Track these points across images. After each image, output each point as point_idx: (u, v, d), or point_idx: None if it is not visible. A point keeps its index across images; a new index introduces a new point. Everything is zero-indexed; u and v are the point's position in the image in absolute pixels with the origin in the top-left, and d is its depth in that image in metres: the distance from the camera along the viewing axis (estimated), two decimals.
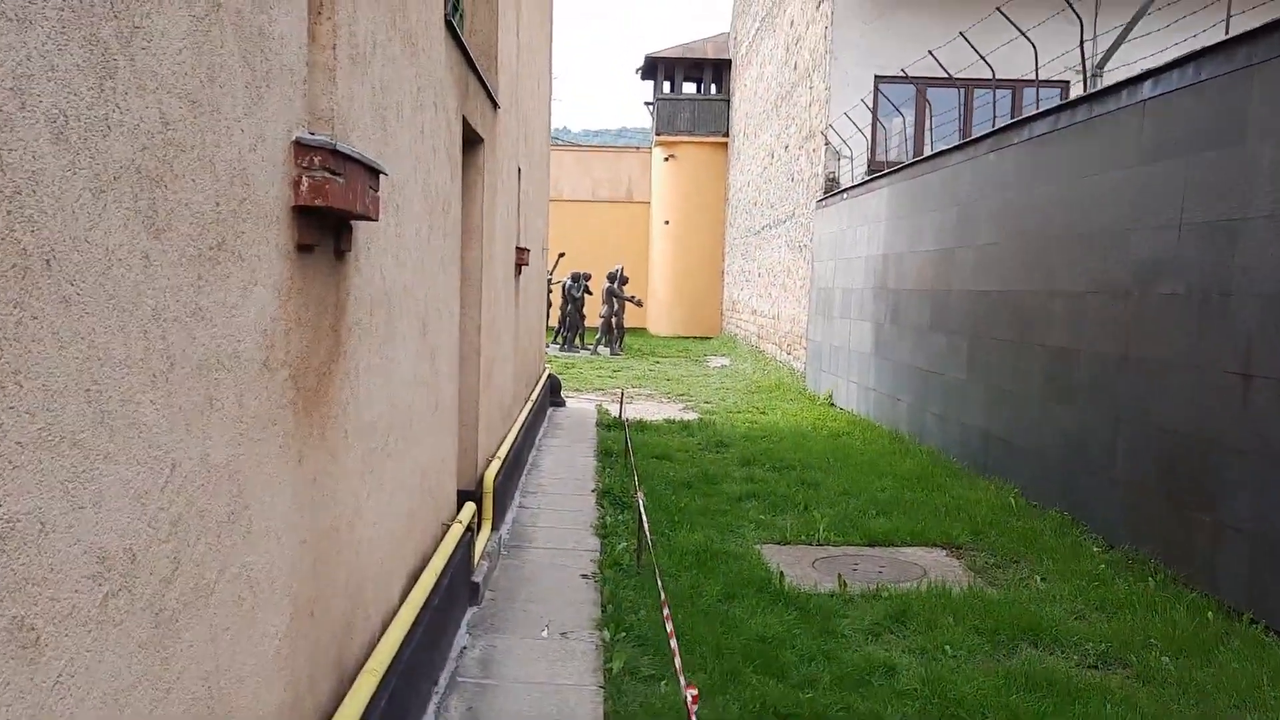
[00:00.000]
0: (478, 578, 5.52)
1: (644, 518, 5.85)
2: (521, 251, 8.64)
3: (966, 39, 11.78)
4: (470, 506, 5.35)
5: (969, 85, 16.35)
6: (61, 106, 1.36)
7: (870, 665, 4.91)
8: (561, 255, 24.02)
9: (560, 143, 32.92)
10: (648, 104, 30.75)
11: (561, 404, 13.94)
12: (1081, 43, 9.17)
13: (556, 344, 24.32)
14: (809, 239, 17.55)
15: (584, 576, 6.12)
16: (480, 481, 6.29)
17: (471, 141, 5.94)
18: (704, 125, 29.35)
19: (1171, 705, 4.58)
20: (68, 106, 1.37)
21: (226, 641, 2.02)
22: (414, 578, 4.15)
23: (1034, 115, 8.74)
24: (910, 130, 16.79)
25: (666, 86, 29.85)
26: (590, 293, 24.16)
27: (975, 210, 9.85)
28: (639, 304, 25.06)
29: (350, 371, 2.96)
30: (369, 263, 3.16)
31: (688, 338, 28.98)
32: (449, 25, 4.55)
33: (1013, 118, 16.10)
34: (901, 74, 15.92)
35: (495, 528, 6.45)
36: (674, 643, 3.71)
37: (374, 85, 3.16)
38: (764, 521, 7.75)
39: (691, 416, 13.72)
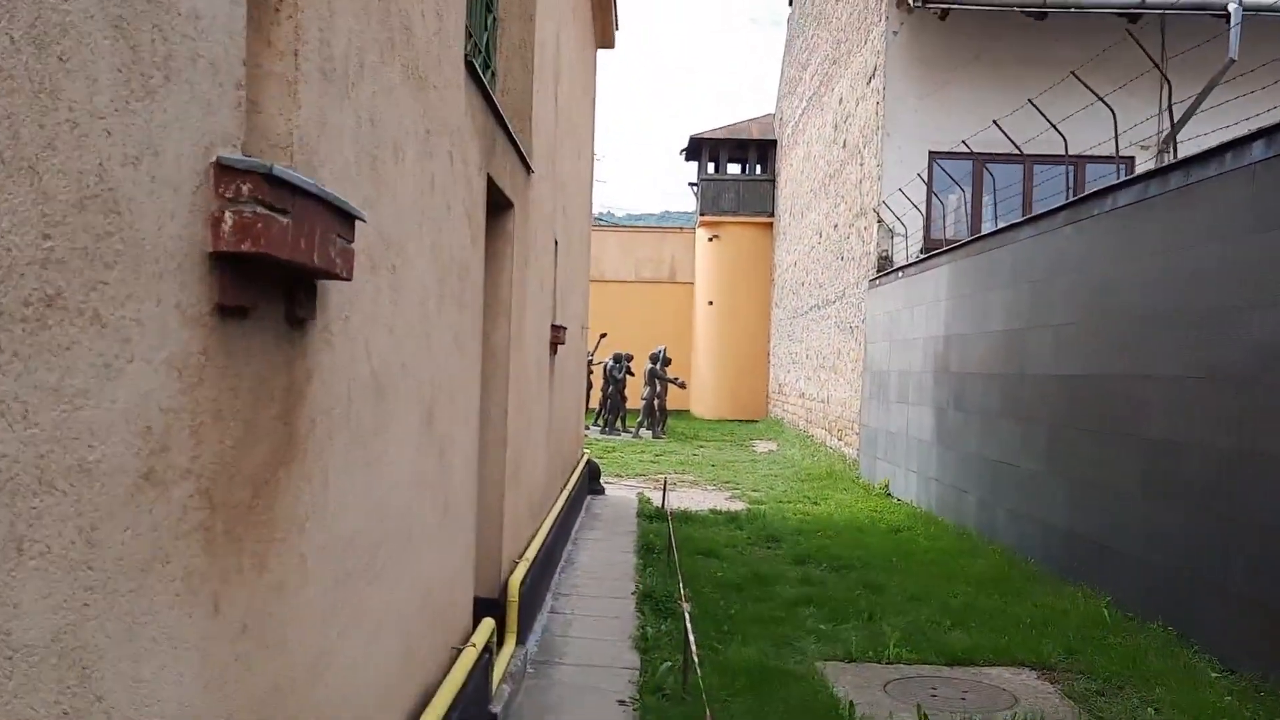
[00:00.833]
0: (496, 707, 4.71)
1: (690, 635, 5.04)
2: (557, 330, 8.00)
3: (1035, 106, 11.13)
4: (488, 624, 4.58)
5: (1028, 160, 15.72)
6: None
7: None
8: (603, 336, 23.48)
9: (603, 224, 32.73)
10: (692, 184, 30.49)
11: (600, 491, 13.16)
12: (1169, 110, 8.47)
13: (597, 426, 23.61)
14: (860, 320, 16.80)
15: (621, 703, 5.28)
16: (504, 589, 5.52)
17: (499, 205, 5.33)
18: (749, 205, 28.96)
19: None
20: None
21: None
22: None
23: (1117, 185, 8.01)
24: (966, 207, 16.13)
25: (711, 167, 29.60)
26: (632, 374, 23.51)
27: (1050, 288, 9.07)
28: (682, 386, 24.35)
29: (312, 477, 2.26)
30: (347, 336, 2.48)
31: (732, 421, 28.12)
32: (470, 67, 3.96)
33: (1075, 194, 15.40)
34: (959, 149, 15.33)
35: (521, 641, 5.65)
36: None
37: (359, 116, 2.52)
38: (825, 633, 6.86)
39: (739, 507, 12.85)
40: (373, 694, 2.88)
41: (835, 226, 19.56)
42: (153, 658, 1.54)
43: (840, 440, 18.35)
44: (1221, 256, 6.48)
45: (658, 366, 23.02)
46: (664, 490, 11.88)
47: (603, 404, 23.52)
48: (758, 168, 29.48)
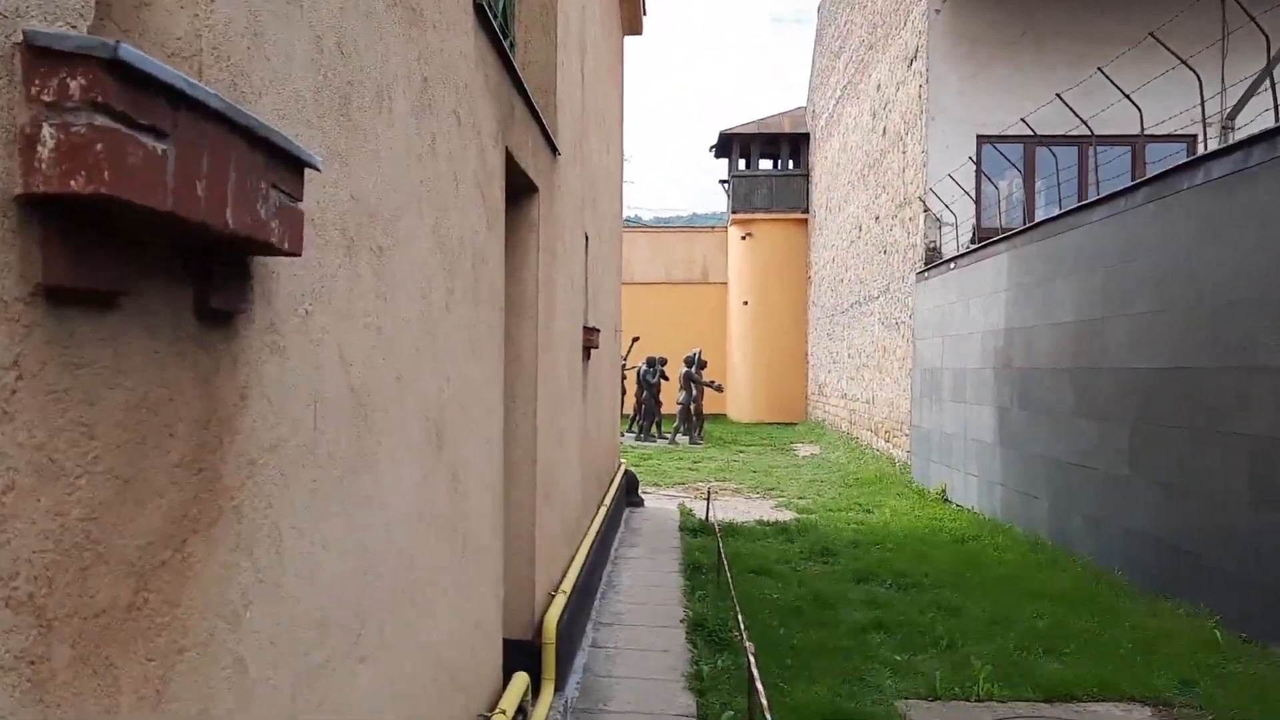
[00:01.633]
0: None
1: (755, 676, 4.32)
2: (590, 332, 7.30)
3: (1105, 75, 10.28)
4: (521, 680, 3.88)
5: (1083, 142, 14.86)
6: None
7: None
8: (636, 340, 22.77)
9: (632, 226, 32.03)
10: (722, 181, 29.73)
11: (639, 503, 12.44)
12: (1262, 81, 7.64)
13: (632, 433, 22.91)
14: (907, 315, 15.97)
15: None
16: (539, 629, 4.82)
17: (521, 189, 4.64)
18: (782, 202, 28.16)
19: None
20: None
21: None
22: None
23: (1210, 154, 7.18)
24: (1017, 193, 15.26)
25: (742, 164, 28.82)
26: (667, 378, 22.78)
27: (1129, 273, 8.24)
28: (719, 389, 23.58)
29: (254, 542, 1.56)
30: (308, 337, 1.79)
31: (771, 424, 27.31)
32: (480, 12, 3.26)
33: (1134, 176, 14.50)
34: (1009, 131, 14.49)
35: (559, 688, 4.95)
36: None
37: (320, 37, 1.83)
38: (900, 664, 6.10)
39: (787, 516, 12.09)
40: None
41: (877, 218, 18.74)
42: None
43: (888, 442, 17.51)
44: None
45: (693, 370, 22.28)
46: (708, 501, 11.14)
47: (637, 410, 22.82)
48: (790, 162, 28.66)
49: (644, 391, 22.59)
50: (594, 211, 8.09)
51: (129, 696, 1.20)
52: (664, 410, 23.22)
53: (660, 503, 13.12)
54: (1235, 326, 6.74)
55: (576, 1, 6.44)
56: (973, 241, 13.99)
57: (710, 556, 9.01)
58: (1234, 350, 6.75)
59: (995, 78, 15.18)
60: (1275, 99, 7.38)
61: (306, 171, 1.55)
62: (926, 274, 14.66)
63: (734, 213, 28.41)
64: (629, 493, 12.23)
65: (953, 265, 13.28)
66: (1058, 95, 11.14)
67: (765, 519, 11.68)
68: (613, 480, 10.52)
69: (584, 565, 6.48)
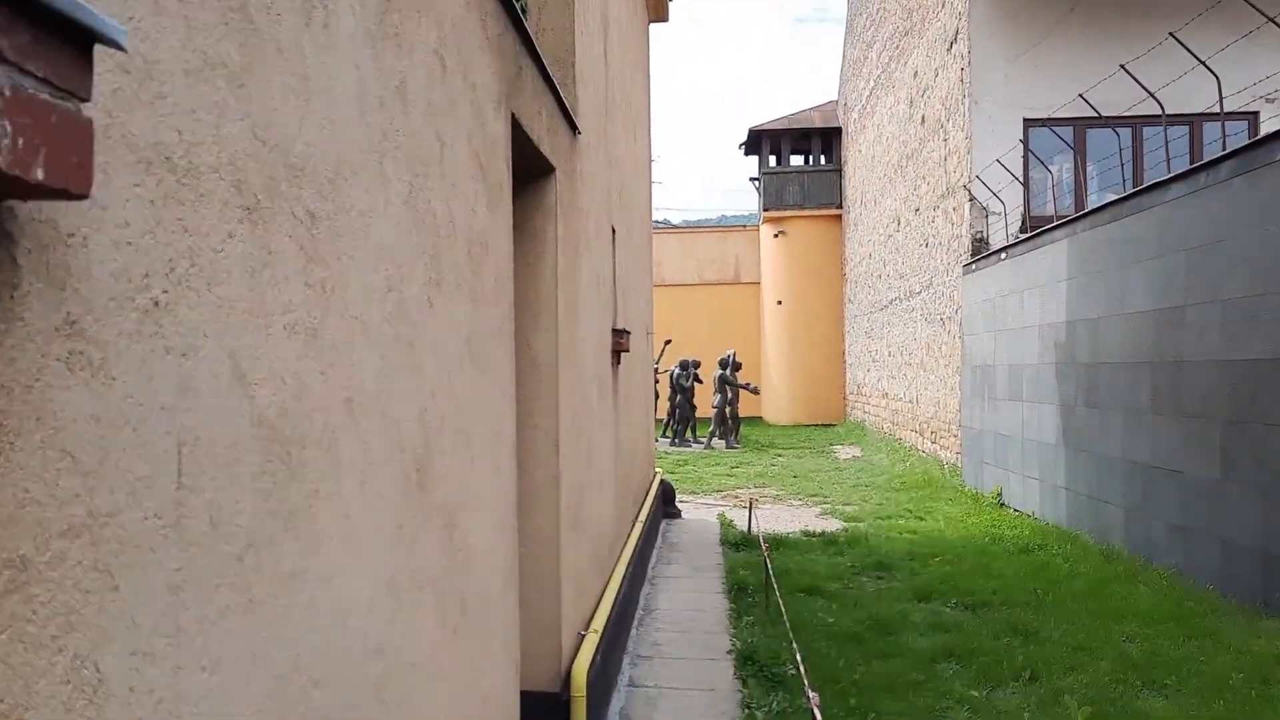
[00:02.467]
0: None
1: None
2: (620, 335, 6.63)
3: (1178, 39, 9.49)
4: None
5: (1137, 123, 14.01)
6: None
7: None
8: (668, 342, 22.11)
9: (661, 227, 31.35)
10: (753, 179, 28.97)
11: (676, 514, 11.76)
12: None
13: (666, 438, 22.23)
14: (954, 310, 15.16)
15: None
16: (567, 679, 4.15)
17: (534, 170, 3.99)
18: (815, 198, 27.35)
19: None
20: None
21: None
22: None
23: None
24: (1068, 178, 14.41)
25: (772, 160, 28.05)
26: (700, 381, 22.07)
27: (1218, 254, 7.45)
28: (755, 391, 22.81)
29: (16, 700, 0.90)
30: (160, 342, 1.13)
31: (809, 425, 26.50)
32: None
33: (1191, 158, 13.62)
34: (1059, 114, 13.66)
35: None
36: None
37: None
38: (980, 703, 5.37)
39: (833, 526, 11.36)
40: None
41: (916, 211, 17.93)
42: None
43: (935, 444, 16.70)
44: None
45: (727, 372, 21.54)
46: (750, 512, 10.43)
47: (671, 414, 22.13)
48: (822, 158, 27.86)
49: (677, 395, 21.90)
50: (621, 203, 7.43)
51: None
52: (698, 414, 22.51)
53: (699, 512, 12.43)
54: None
55: None
56: (1022, 230, 13.20)
57: (755, 573, 8.31)
58: None
59: (1041, 58, 14.35)
60: None
61: (102, 54, 0.89)
62: (974, 266, 13.86)
63: (765, 210, 27.64)
64: (665, 503, 11.56)
65: (1004, 256, 12.48)
66: (1122, 66, 10.34)
67: (811, 529, 10.96)
68: (648, 493, 9.85)
69: (618, 594, 5.81)
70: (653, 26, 12.29)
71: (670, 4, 12.09)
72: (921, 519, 11.69)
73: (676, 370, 21.99)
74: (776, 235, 27.48)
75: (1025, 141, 14.21)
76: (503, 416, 3.03)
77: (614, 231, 6.79)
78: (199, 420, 1.20)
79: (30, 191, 0.79)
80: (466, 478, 2.55)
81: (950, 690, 5.55)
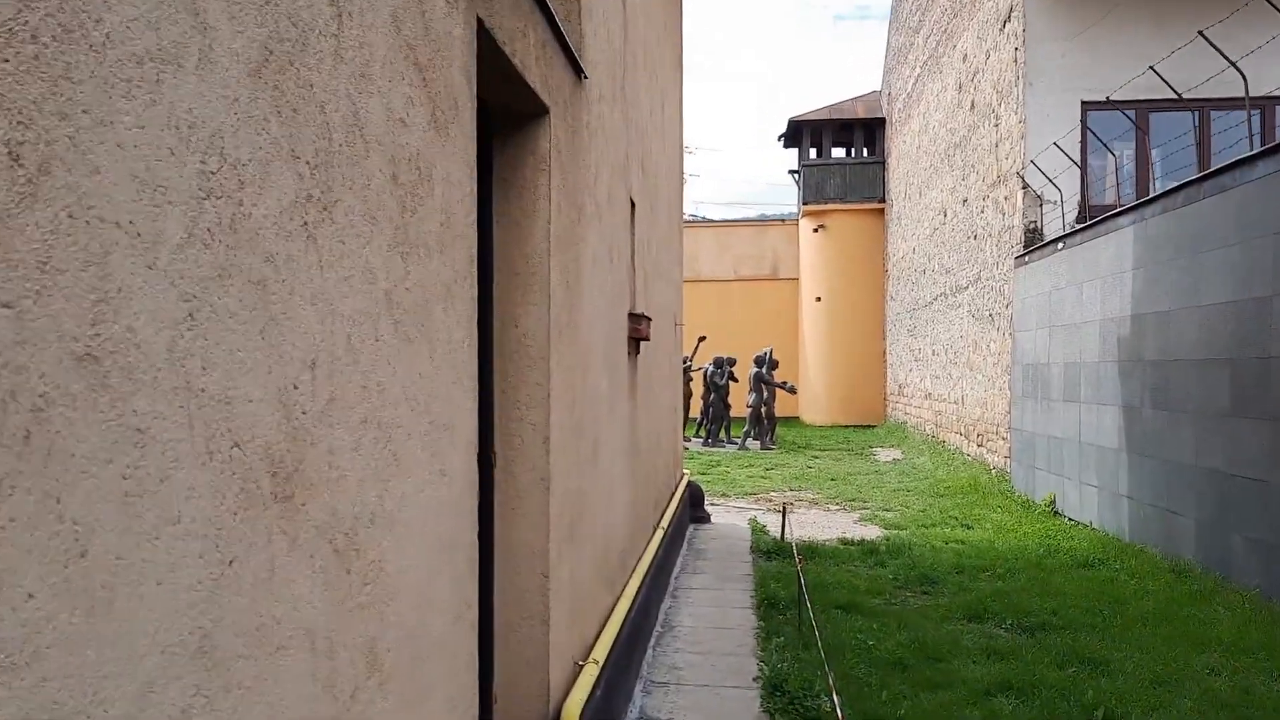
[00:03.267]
0: None
1: None
2: (639, 320, 5.94)
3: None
4: None
5: (1204, 107, 13.05)
6: None
7: None
8: (702, 339, 21.37)
9: (698, 221, 30.58)
10: (792, 172, 28.15)
11: (705, 519, 11.05)
12: None
13: (699, 438, 21.50)
14: (1004, 305, 14.30)
15: None
16: None
17: (522, 108, 3.31)
18: (856, 191, 26.47)
19: None
20: None
21: None
22: None
23: None
24: (1128, 165, 13.49)
25: (813, 153, 27.19)
26: (735, 379, 21.31)
27: None
28: (792, 390, 22.01)
29: None
30: None
31: (847, 426, 25.63)
32: None
33: (1264, 142, 12.66)
34: (1119, 97, 12.75)
35: None
36: None
37: None
38: None
39: (873, 533, 10.59)
40: None
41: (964, 201, 17.05)
42: None
43: (981, 446, 15.83)
44: None
45: (763, 370, 20.76)
46: (784, 518, 9.69)
47: (704, 413, 21.41)
48: (864, 149, 26.97)
49: (711, 394, 21.17)
50: (644, 176, 6.74)
51: None
52: (733, 413, 21.75)
53: (729, 516, 11.71)
54: None
55: None
56: (1079, 221, 12.32)
57: (787, 586, 7.59)
58: None
59: (1101, 35, 13.45)
60: None
61: None
62: (1027, 258, 12.99)
63: (805, 204, 26.81)
64: (693, 506, 10.85)
65: (1061, 246, 11.62)
66: (1200, 34, 9.42)
67: (849, 536, 10.20)
68: (673, 496, 9.15)
69: (630, 612, 5.12)
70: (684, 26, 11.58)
71: None
72: (968, 527, 10.88)
73: (711, 368, 21.26)
74: (816, 229, 26.64)
75: (1083, 125, 13.33)
76: (455, 404, 2.35)
77: (634, 205, 6.10)
78: None
79: None
80: (383, 483, 1.87)
81: None
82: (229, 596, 1.30)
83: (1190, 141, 12.38)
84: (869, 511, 12.34)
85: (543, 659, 3.41)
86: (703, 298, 26.53)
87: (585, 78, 4.14)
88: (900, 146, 24.05)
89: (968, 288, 16.73)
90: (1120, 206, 10.45)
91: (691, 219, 29.82)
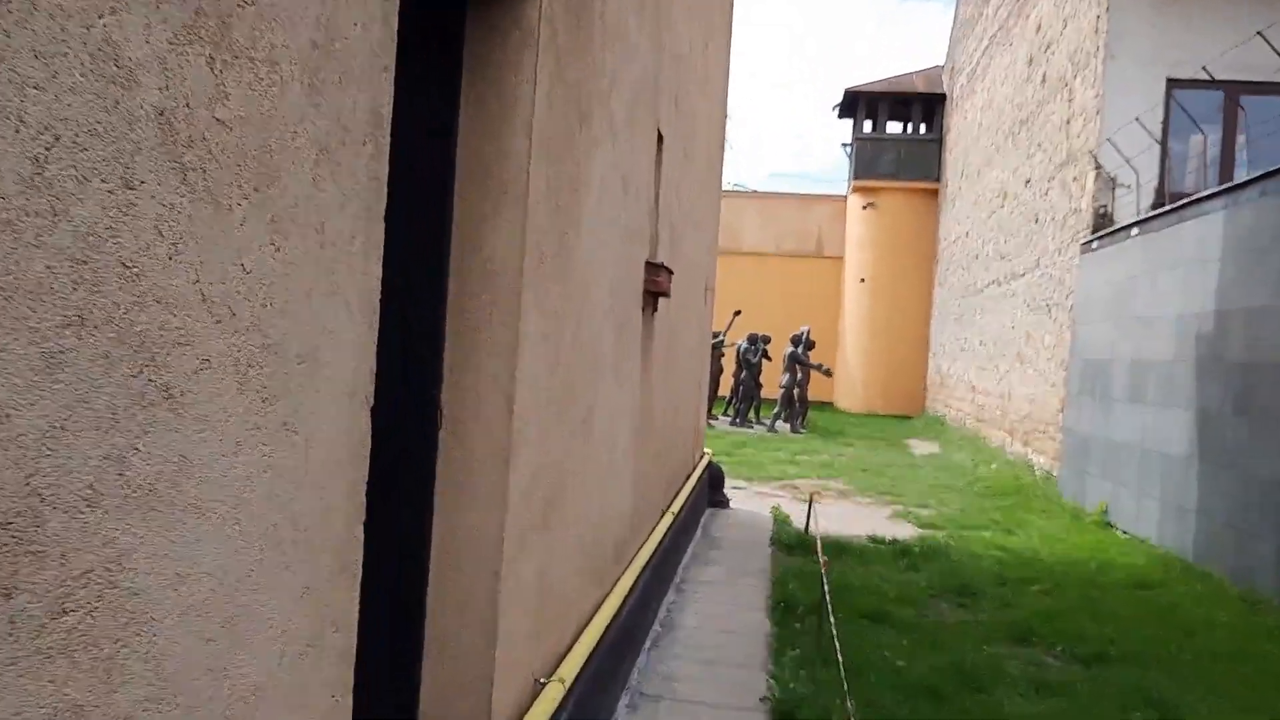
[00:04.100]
0: None
1: None
2: (657, 271, 5.11)
3: None
4: None
5: None
6: None
7: None
8: (737, 314, 20.47)
9: (740, 189, 29.51)
10: (844, 145, 27.04)
11: (724, 503, 10.24)
12: None
13: (727, 416, 20.66)
14: (1063, 295, 13.28)
15: None
16: None
17: None
18: (910, 169, 25.30)
19: None
20: None
21: None
22: None
23: None
24: (1212, 150, 12.37)
25: (868, 126, 26.03)
26: (769, 358, 20.40)
27: None
28: (828, 373, 21.09)
29: None
30: None
31: (883, 415, 24.61)
32: None
33: None
34: (1201, 75, 11.63)
35: None
36: None
37: None
38: None
39: (907, 532, 9.74)
40: None
41: (1027, 182, 15.96)
42: None
43: (1027, 446, 14.85)
44: None
45: (799, 350, 19.85)
46: (809, 509, 8.85)
47: (735, 391, 20.54)
48: (922, 126, 25.78)
49: (743, 371, 20.29)
50: (677, 112, 5.89)
51: None
52: (764, 394, 20.85)
53: (750, 502, 10.90)
54: None
55: None
56: (1154, 207, 11.27)
57: (808, 588, 6.77)
58: None
59: (1193, 6, 12.30)
60: None
61: None
62: (1095, 244, 11.97)
63: (856, 179, 25.69)
64: (712, 489, 10.05)
65: (1135, 231, 10.60)
66: None
67: (879, 534, 9.35)
68: (690, 477, 8.36)
69: (621, 612, 4.34)
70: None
71: None
72: (1010, 532, 9.99)
73: (744, 344, 20.37)
74: (865, 207, 25.55)
75: (1166, 106, 12.23)
76: (324, 326, 1.55)
77: (661, 140, 5.25)
78: None
79: None
80: (136, 436, 1.08)
81: None
82: None
83: (1267, 128, 11.25)
84: (902, 508, 11.47)
85: (484, 678, 2.63)
86: (741, 271, 25.58)
87: None
88: (960, 124, 22.88)
89: (1024, 275, 15.69)
90: (1202, 192, 9.42)
91: (736, 189, 28.82)
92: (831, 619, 5.17)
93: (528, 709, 2.91)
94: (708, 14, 7.52)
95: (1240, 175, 11.39)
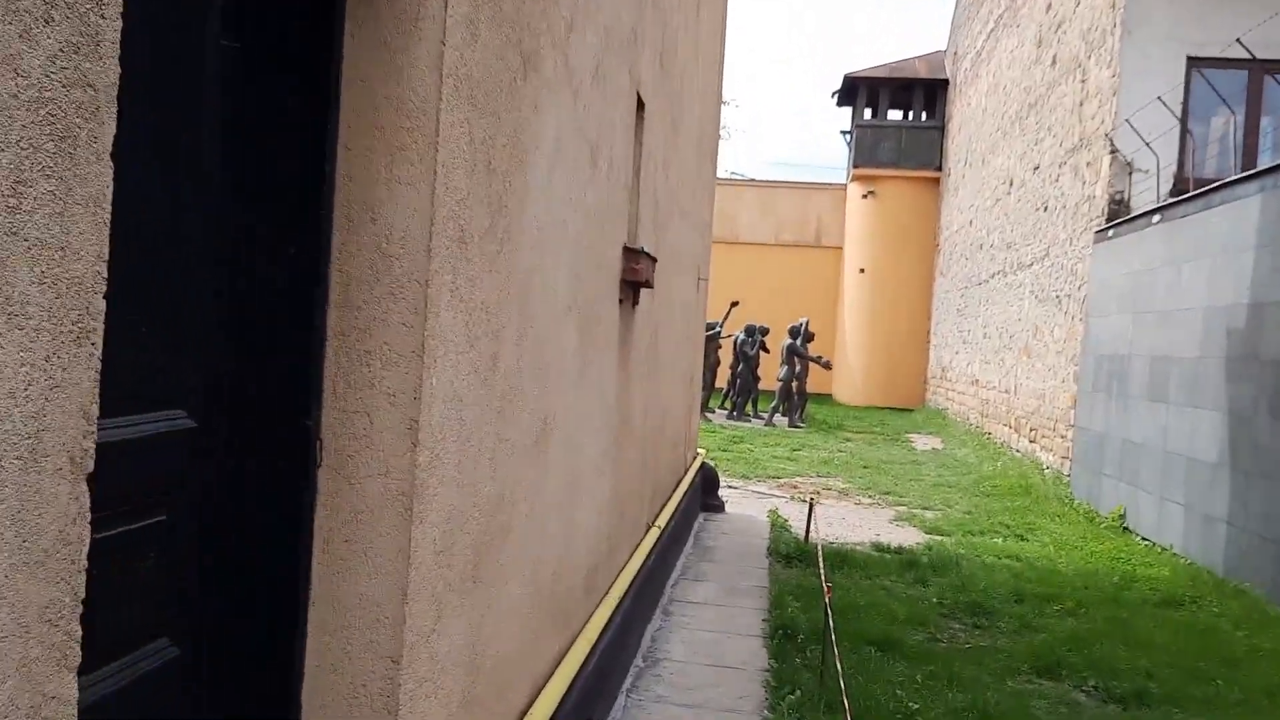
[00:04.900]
0: None
1: None
2: (637, 258, 4.43)
3: None
4: None
5: None
6: None
7: None
8: (734, 305, 19.79)
9: (737, 177, 28.78)
10: (844, 132, 26.31)
11: (718, 507, 9.58)
12: None
13: (723, 410, 20.00)
14: (1075, 286, 12.61)
15: None
16: None
17: None
18: (911, 157, 24.60)
19: None
20: None
21: None
22: None
23: None
24: (1236, 134, 11.69)
25: (868, 113, 25.31)
26: (767, 350, 19.72)
27: None
28: (827, 366, 20.44)
29: None
30: None
31: (883, 409, 23.95)
32: None
33: None
34: (1234, 52, 10.94)
35: None
36: None
37: None
38: None
39: (912, 537, 9.11)
40: None
41: (1035, 169, 15.28)
42: None
43: (1034, 443, 14.21)
44: None
45: (797, 342, 19.20)
46: (809, 515, 8.21)
47: (731, 384, 19.87)
48: (924, 113, 25.06)
49: (740, 364, 19.62)
50: (664, 74, 5.20)
51: None
52: (762, 386, 20.18)
53: (746, 505, 10.25)
54: None
55: None
56: (1173, 194, 10.60)
57: (809, 608, 6.13)
58: None
59: None
60: None
61: None
62: (1110, 233, 11.29)
63: (856, 167, 24.99)
64: (705, 493, 9.39)
65: (1156, 219, 9.92)
66: None
67: (883, 541, 8.72)
68: (681, 482, 7.69)
69: (590, 660, 3.67)
70: None
71: None
72: (1022, 538, 9.36)
73: (741, 336, 19.69)
74: (865, 195, 24.86)
75: (1186, 87, 11.54)
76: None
77: (642, 105, 4.57)
78: None
79: None
80: None
81: None
82: None
83: None
84: (906, 509, 10.85)
85: None
86: (739, 261, 24.92)
87: None
88: (963, 110, 22.17)
89: (1032, 265, 15.02)
90: (1223, 178, 8.75)
91: (733, 177, 28.12)
92: (836, 650, 4.52)
93: None
94: None
95: (1265, 160, 10.73)
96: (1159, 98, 10.69)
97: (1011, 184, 16.87)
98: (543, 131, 2.78)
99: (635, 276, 4.40)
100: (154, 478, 1.59)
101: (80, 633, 1.06)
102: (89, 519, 1.05)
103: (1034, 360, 14.56)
